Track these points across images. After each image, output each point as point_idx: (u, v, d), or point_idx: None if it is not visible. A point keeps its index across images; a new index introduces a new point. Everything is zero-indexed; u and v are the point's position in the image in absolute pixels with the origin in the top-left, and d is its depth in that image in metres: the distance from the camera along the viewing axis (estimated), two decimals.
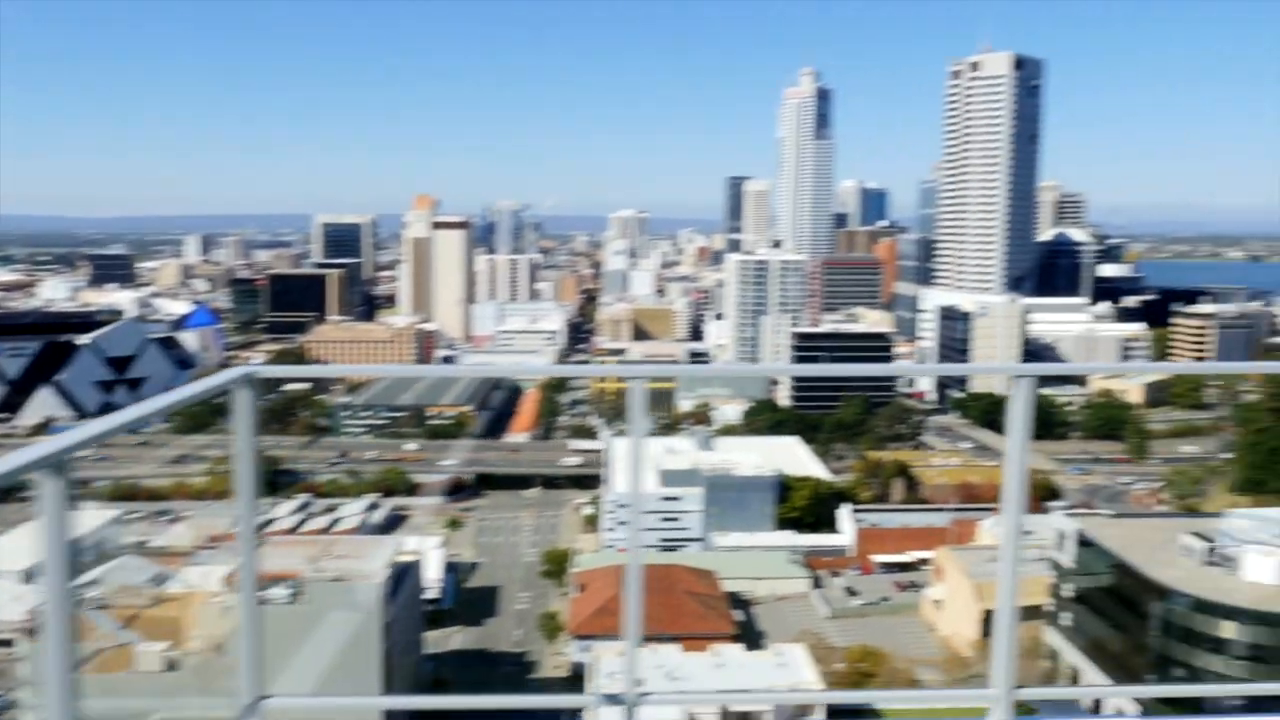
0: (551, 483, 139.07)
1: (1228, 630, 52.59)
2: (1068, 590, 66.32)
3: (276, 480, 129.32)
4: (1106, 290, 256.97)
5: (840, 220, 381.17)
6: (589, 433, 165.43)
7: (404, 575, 69.62)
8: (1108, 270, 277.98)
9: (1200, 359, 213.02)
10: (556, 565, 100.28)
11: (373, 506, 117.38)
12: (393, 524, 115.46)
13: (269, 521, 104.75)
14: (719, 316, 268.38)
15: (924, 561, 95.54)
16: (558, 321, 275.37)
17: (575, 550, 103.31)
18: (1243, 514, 64.21)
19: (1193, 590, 54.49)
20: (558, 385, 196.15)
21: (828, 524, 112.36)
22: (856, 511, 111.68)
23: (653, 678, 61.34)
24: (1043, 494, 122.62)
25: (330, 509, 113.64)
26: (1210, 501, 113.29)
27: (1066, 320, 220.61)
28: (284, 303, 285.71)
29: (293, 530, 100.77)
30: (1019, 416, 3.58)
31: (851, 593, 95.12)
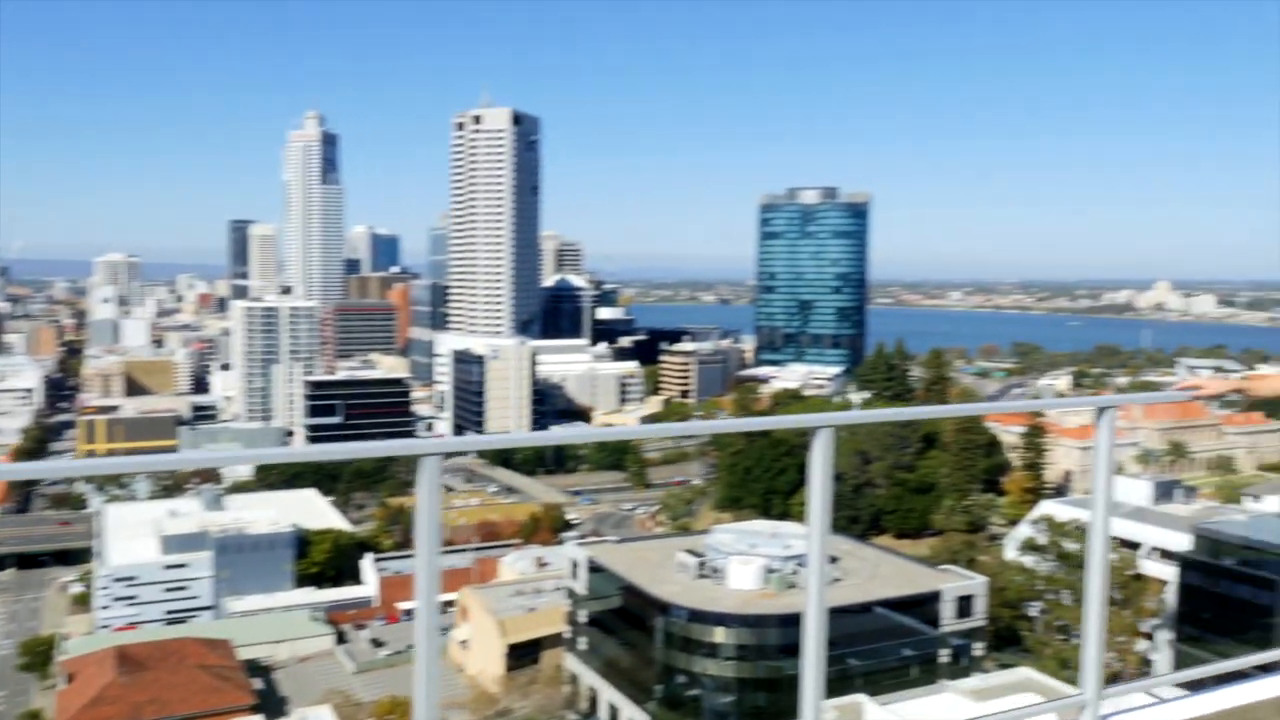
0: (30, 561, 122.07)
1: (719, 635, 58.51)
2: (583, 616, 70.13)
3: None
4: (604, 332, 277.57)
5: (352, 266, 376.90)
6: (76, 502, 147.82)
7: None
8: (604, 313, 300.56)
9: (685, 391, 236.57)
10: (38, 655, 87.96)
11: None
12: None
13: None
14: (225, 367, 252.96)
15: (449, 603, 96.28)
16: (33, 378, 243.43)
17: (62, 635, 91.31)
18: (725, 529, 71.99)
19: (689, 603, 60.00)
20: (35, 449, 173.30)
21: (351, 576, 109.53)
22: (379, 560, 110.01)
23: None
24: (557, 526, 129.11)
25: None
26: (699, 520, 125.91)
27: (571, 360, 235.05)
28: None
29: None
30: (427, 496, 3.52)
31: (377, 644, 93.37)
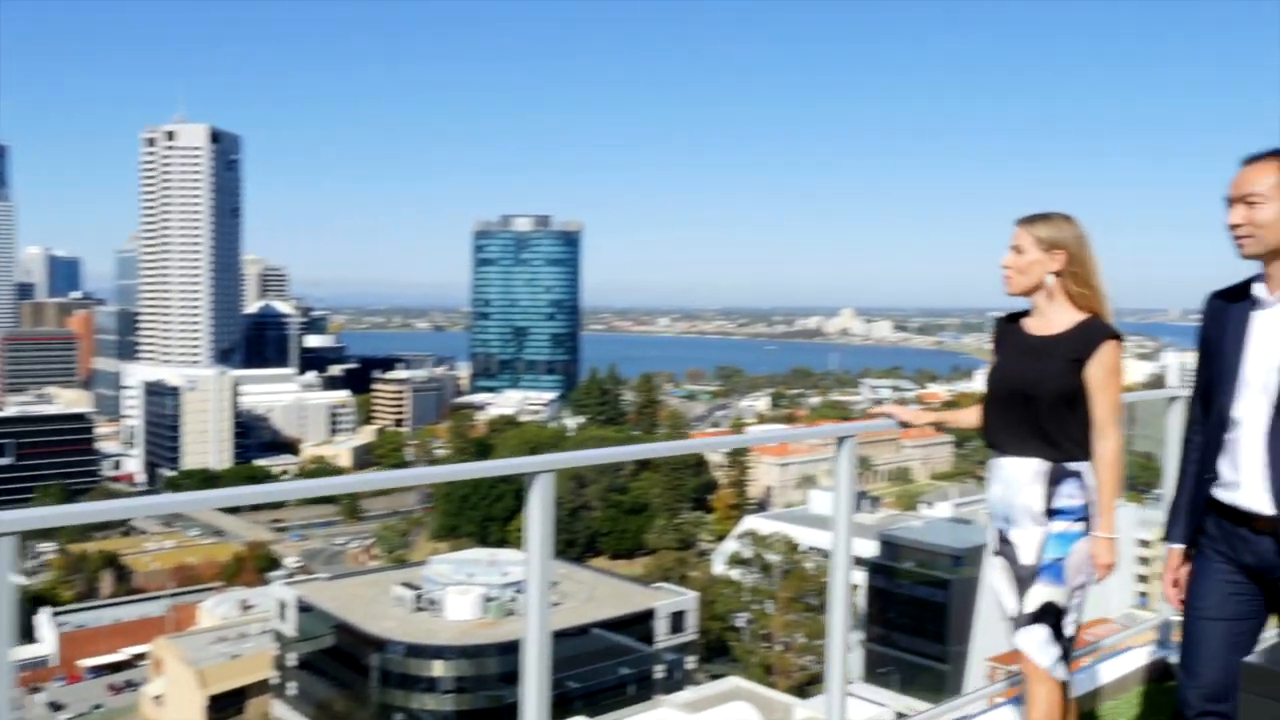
0: None
1: (437, 669, 57.51)
2: (292, 659, 66.91)
3: None
4: (313, 360, 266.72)
5: (25, 291, 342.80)
6: None
7: None
8: (313, 341, 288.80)
9: (399, 420, 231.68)
10: None
11: None
12: None
13: None
14: None
15: (141, 656, 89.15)
16: None
17: None
18: (442, 559, 71.02)
19: (405, 638, 58.62)
20: None
21: (24, 634, 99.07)
22: (58, 615, 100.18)
23: None
24: (263, 565, 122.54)
25: None
26: (416, 551, 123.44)
27: (277, 390, 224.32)
28: None
29: None
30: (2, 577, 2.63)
31: (56, 707, 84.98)
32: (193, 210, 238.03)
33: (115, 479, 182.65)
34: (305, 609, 65.99)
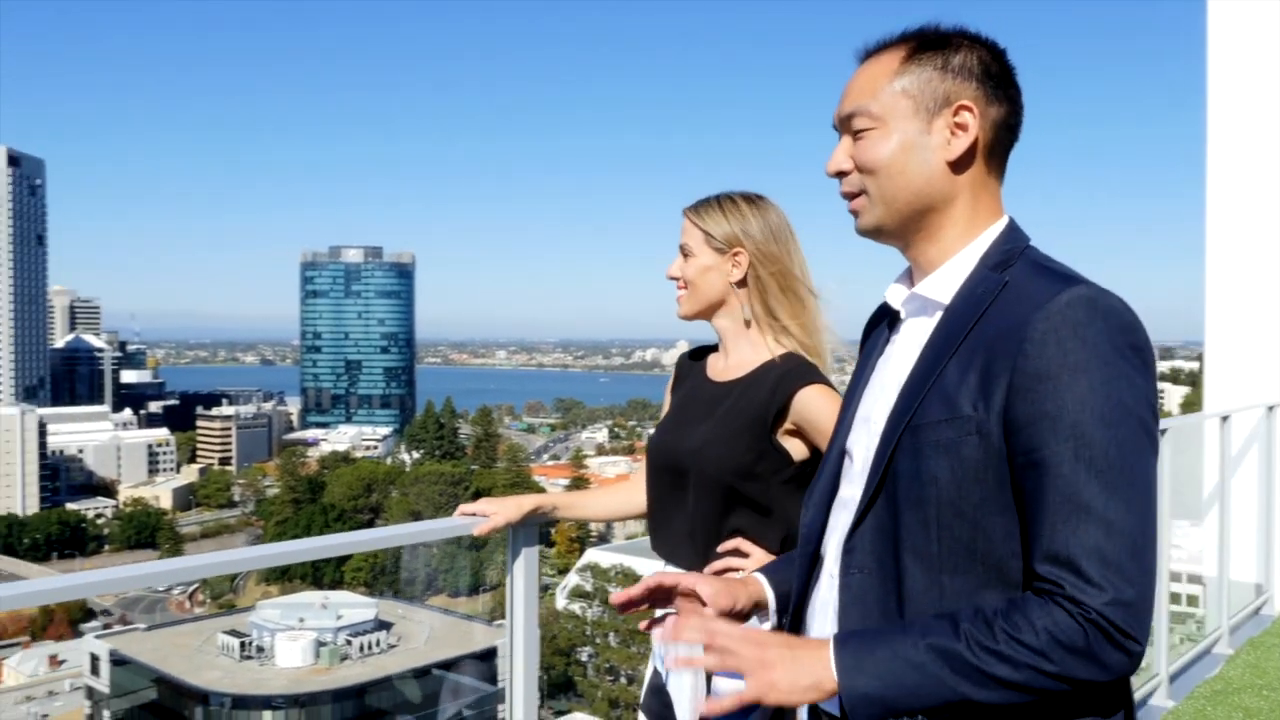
0: None
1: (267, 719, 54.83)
2: (106, 717, 62.71)
3: None
4: (130, 397, 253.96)
5: None
6: None
7: None
8: (130, 377, 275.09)
9: (225, 458, 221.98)
10: None
11: None
12: None
13: None
14: None
15: None
16: None
17: None
18: (272, 603, 68.04)
19: (231, 689, 55.70)
20: None
21: None
22: None
23: None
24: (75, 617, 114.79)
25: None
26: (244, 596, 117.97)
27: (90, 429, 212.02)
28: None
29: None
30: None
31: None
32: None
33: None
34: (120, 662, 61.91)
